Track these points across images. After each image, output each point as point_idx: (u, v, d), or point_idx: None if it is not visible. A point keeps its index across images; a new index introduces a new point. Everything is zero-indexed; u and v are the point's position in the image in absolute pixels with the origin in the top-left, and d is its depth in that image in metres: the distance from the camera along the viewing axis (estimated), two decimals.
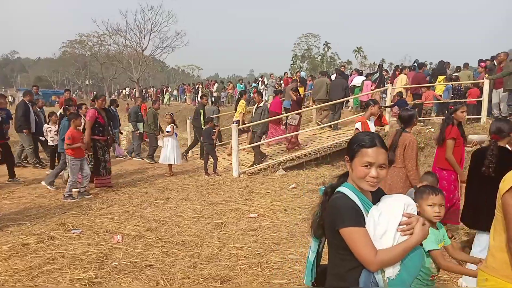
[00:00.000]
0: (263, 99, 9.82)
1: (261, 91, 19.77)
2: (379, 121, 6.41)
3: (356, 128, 5.51)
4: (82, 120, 7.21)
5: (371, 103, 5.65)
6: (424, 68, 12.34)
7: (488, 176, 3.50)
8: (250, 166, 8.88)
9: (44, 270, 3.92)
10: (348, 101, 13.13)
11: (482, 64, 11.21)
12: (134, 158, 10.95)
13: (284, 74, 21.50)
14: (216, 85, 24.15)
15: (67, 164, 6.80)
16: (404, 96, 11.26)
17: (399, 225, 1.59)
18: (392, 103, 10.78)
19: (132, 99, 34.84)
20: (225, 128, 12.95)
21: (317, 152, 9.40)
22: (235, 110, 11.57)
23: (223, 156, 10.53)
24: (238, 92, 16.49)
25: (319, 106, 11.66)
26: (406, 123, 4.60)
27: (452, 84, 11.06)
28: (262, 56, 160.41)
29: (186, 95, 27.80)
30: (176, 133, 9.32)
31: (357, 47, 50.29)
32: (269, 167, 8.80)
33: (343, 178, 1.83)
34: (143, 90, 37.25)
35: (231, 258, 4.30)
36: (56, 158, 8.71)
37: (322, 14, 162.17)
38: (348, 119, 11.64)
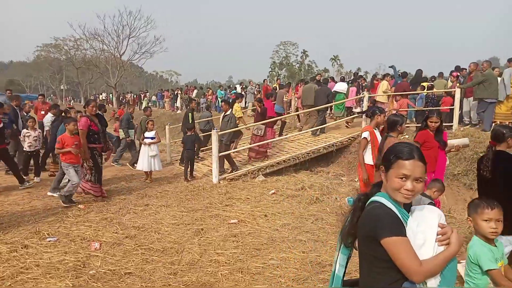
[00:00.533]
0: (241, 105, 9.81)
1: (241, 95, 19.87)
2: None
3: (364, 137, 5.43)
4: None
5: (377, 111, 5.53)
6: (407, 77, 12.73)
7: (490, 179, 3.58)
8: (229, 172, 8.89)
9: (18, 280, 3.81)
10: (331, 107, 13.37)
11: (454, 73, 11.66)
12: (112, 164, 10.75)
13: (264, 81, 21.66)
14: (195, 91, 24.06)
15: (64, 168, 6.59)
16: (386, 102, 11.62)
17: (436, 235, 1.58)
18: (365, 110, 11.08)
19: (110, 104, 34.21)
20: (207, 134, 12.91)
21: (296, 158, 9.50)
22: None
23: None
24: (220, 98, 16.57)
25: (304, 111, 11.96)
26: (390, 128, 4.72)
27: (425, 93, 11.45)
28: (241, 63, 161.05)
29: (165, 101, 27.56)
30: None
31: (333, 56, 51.18)
32: (249, 173, 8.83)
33: (377, 187, 1.79)
34: (120, 95, 36.67)
35: (212, 264, 4.29)
36: (39, 164, 8.58)
37: (300, 22, 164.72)
38: (330, 124, 11.85)
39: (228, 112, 9.58)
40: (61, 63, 55.14)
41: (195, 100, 13.09)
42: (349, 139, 10.45)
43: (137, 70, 62.52)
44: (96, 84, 58.44)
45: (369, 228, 1.62)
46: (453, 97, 9.97)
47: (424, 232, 1.59)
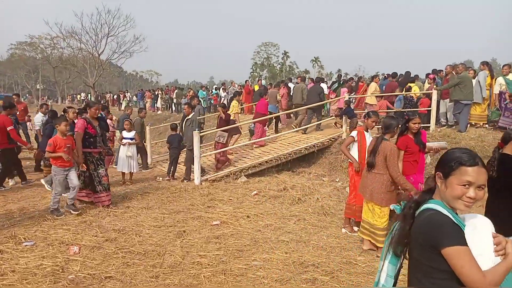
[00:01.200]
0: (193, 110, 9.61)
1: (222, 98, 19.84)
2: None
3: (351, 136, 5.64)
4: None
5: (371, 114, 5.68)
6: (396, 77, 12.99)
7: (496, 179, 3.57)
8: (215, 173, 8.86)
9: None
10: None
11: (431, 76, 11.96)
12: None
13: (246, 82, 21.66)
14: (176, 91, 23.84)
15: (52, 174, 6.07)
16: (375, 104, 11.83)
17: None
18: (340, 112, 11.29)
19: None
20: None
21: (278, 159, 9.54)
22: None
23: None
24: (202, 99, 16.47)
25: (294, 110, 12.16)
26: (386, 130, 4.79)
27: (404, 94, 11.70)
28: (222, 63, 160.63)
29: (146, 101, 27.20)
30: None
31: (314, 57, 51.70)
32: (231, 174, 8.81)
33: (427, 194, 1.73)
34: (99, 95, 35.96)
35: (194, 267, 4.26)
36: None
37: (282, 23, 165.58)
38: (312, 125, 11.94)
39: (190, 116, 9.39)
40: (37, 61, 53.62)
41: (197, 97, 13.07)
42: (330, 139, 10.56)
43: (116, 69, 61.41)
44: (73, 83, 57.10)
45: (428, 237, 1.55)
46: (430, 99, 10.22)
47: (480, 242, 1.54)
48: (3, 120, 7.62)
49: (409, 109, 11.06)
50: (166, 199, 7.16)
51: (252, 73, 53.46)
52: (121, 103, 29.36)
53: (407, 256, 1.74)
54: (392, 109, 11.60)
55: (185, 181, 8.68)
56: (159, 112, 24.61)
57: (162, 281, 3.89)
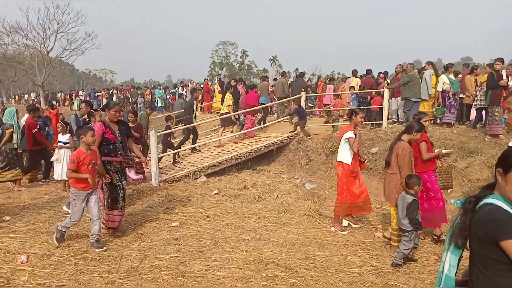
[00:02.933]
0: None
1: (182, 96, 19.52)
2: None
3: (350, 137, 5.51)
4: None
5: (358, 111, 5.70)
6: (371, 74, 13.44)
7: None
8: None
9: None
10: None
11: (381, 75, 12.49)
12: None
13: (205, 81, 21.44)
14: (131, 90, 23.14)
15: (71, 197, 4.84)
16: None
17: None
18: (291, 112, 11.50)
19: (37, 105, 31.63)
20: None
21: (238, 158, 9.54)
22: (222, 103, 11.88)
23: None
24: (159, 98, 16.14)
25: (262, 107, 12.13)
26: (405, 131, 4.82)
27: (357, 93, 12.13)
28: (180, 62, 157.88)
29: (102, 100, 26.13)
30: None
31: (272, 56, 52.22)
32: (190, 174, 8.68)
33: (487, 189, 1.81)
34: (50, 95, 34.07)
35: (153, 270, 4.15)
36: None
37: (239, 22, 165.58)
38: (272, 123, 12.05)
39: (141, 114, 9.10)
40: None
41: (199, 90, 13.04)
42: (289, 137, 10.72)
43: (68, 67, 58.52)
44: (20, 82, 53.55)
45: (488, 230, 1.64)
46: (382, 97, 10.66)
47: None
48: (28, 123, 8.10)
49: (362, 107, 11.45)
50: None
51: (210, 72, 53.01)
52: (73, 103, 28.01)
53: (467, 247, 1.83)
54: (348, 107, 11.97)
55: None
56: None
57: (119, 287, 3.75)
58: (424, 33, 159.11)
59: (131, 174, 7.85)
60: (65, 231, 4.88)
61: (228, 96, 11.62)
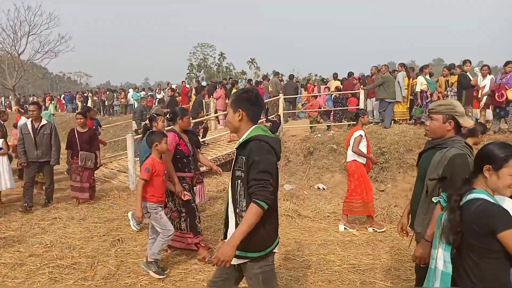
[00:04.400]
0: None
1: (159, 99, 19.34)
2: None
3: (360, 134, 5.59)
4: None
5: (360, 113, 5.81)
6: (352, 76, 13.71)
7: None
8: None
9: None
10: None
11: (356, 76, 12.74)
12: None
13: (182, 83, 21.26)
14: (107, 93, 22.72)
15: (148, 213, 4.12)
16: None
17: None
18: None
19: (8, 109, 30.55)
20: (120, 139, 12.32)
21: (217, 160, 9.50)
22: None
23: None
24: (136, 101, 16.00)
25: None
26: (469, 134, 4.70)
27: (332, 94, 12.32)
28: (158, 64, 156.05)
29: (78, 104, 25.49)
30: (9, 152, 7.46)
31: (250, 58, 52.38)
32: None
33: (465, 186, 1.98)
34: (21, 98, 32.98)
35: (130, 275, 4.08)
36: None
37: (217, 25, 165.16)
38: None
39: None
40: None
41: (205, 87, 13.45)
42: None
43: (40, 71, 56.80)
44: None
45: (485, 224, 1.79)
46: (358, 98, 10.86)
47: None
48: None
49: (340, 108, 11.64)
50: (99, 207, 6.77)
51: (188, 74, 52.62)
52: (47, 106, 27.20)
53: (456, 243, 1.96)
54: (325, 108, 12.14)
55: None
56: None
57: None
58: (398, 35, 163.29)
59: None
60: (160, 258, 4.16)
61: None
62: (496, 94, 8.72)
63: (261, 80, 16.88)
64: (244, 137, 2.32)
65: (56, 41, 32.62)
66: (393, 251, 4.81)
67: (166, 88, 20.65)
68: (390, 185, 8.21)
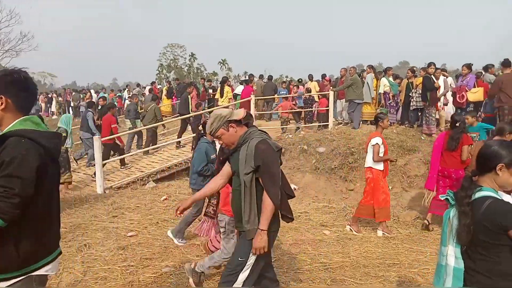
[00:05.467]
0: None
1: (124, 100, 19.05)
2: None
3: (377, 143, 5.40)
4: None
5: (384, 115, 5.70)
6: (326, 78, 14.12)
7: None
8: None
9: None
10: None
11: (327, 78, 12.98)
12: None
13: (152, 84, 20.89)
14: (73, 94, 21.98)
15: (225, 228, 3.70)
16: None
17: None
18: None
19: None
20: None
21: (187, 161, 9.40)
22: (221, 96, 12.81)
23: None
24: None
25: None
26: (497, 133, 4.84)
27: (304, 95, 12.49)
28: (126, 64, 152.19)
29: (41, 105, 24.49)
30: None
31: (222, 59, 52.06)
32: (138, 180, 8.41)
33: (471, 184, 2.04)
34: None
35: (98, 282, 3.96)
36: None
37: (188, 24, 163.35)
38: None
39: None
40: None
41: (193, 84, 13.51)
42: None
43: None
44: None
45: (497, 222, 1.87)
46: (328, 99, 11.06)
47: None
48: (109, 118, 9.29)
49: (309, 109, 11.81)
50: (64, 212, 6.52)
51: (158, 75, 51.70)
52: None
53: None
54: (295, 109, 12.28)
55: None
56: (54, 116, 22.39)
57: None
58: (366, 38, 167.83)
59: None
60: (207, 272, 3.94)
61: (228, 90, 12.66)
62: (457, 95, 9.14)
63: (246, 79, 16.97)
64: (4, 131, 1.86)
65: (17, 40, 31.23)
66: (362, 249, 4.93)
67: (135, 89, 20.21)
68: (359, 184, 8.39)
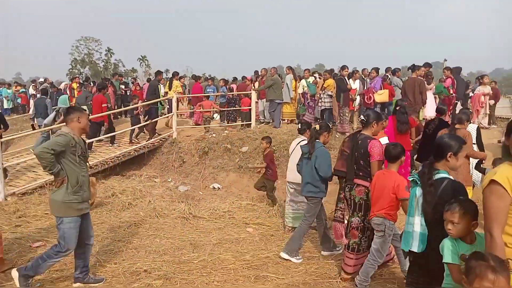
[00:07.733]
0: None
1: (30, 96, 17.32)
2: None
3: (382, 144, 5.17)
4: None
5: (383, 116, 5.24)
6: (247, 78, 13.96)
7: None
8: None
9: None
10: None
11: (248, 77, 13.19)
12: None
13: (72, 80, 19.06)
14: None
15: (384, 232, 3.57)
16: None
17: None
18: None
19: None
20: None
21: (104, 163, 8.83)
22: (169, 89, 12.57)
23: None
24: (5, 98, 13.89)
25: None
26: (458, 122, 5.28)
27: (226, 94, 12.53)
28: (32, 57, 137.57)
29: None
30: None
31: (141, 56, 49.92)
32: (46, 184, 7.64)
33: (431, 167, 2.60)
34: None
35: None
36: None
37: (102, 17, 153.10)
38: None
39: None
40: None
41: (162, 72, 12.79)
42: (160, 140, 10.41)
43: None
44: None
45: (453, 196, 2.39)
46: (250, 98, 11.22)
47: None
48: (101, 98, 9.82)
49: (233, 108, 11.89)
50: None
51: (71, 70, 47.71)
52: None
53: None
54: (216, 108, 12.27)
55: None
56: None
57: None
58: (287, 39, 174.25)
59: None
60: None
61: (177, 84, 12.60)
62: (366, 96, 9.93)
63: (208, 77, 16.64)
64: None
65: None
66: (284, 244, 5.09)
67: (43, 84, 18.34)
68: (280, 181, 8.68)
